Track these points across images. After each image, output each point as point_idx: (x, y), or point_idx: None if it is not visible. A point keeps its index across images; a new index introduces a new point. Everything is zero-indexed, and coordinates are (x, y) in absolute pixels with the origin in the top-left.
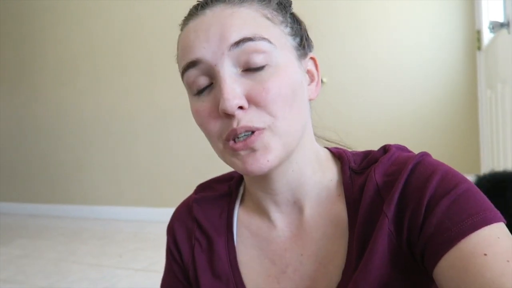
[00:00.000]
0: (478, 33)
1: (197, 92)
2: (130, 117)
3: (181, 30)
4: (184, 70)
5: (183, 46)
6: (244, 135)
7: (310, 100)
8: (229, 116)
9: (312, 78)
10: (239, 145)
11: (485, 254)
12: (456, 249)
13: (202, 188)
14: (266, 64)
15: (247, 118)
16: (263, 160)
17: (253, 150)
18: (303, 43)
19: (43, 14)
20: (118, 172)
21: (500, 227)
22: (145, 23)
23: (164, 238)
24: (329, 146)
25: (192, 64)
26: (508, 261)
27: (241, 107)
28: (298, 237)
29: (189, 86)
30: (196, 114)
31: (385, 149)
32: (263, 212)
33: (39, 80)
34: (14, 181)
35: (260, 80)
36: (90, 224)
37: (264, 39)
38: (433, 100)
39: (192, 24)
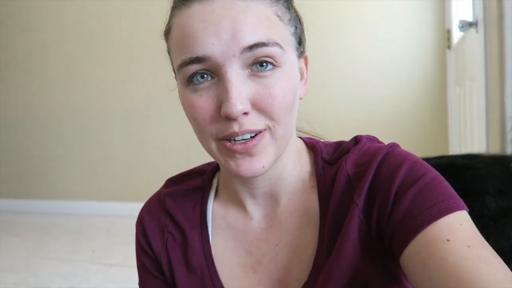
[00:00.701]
0: (448, 32)
1: (192, 82)
2: (103, 110)
3: (177, 6)
4: (185, 64)
5: (184, 34)
6: (243, 139)
7: (300, 99)
8: (229, 119)
9: (302, 76)
10: (237, 147)
11: (448, 240)
12: (422, 236)
13: (173, 182)
14: (274, 68)
15: (249, 122)
16: (258, 165)
17: (250, 155)
18: (302, 41)
19: (11, 2)
20: (90, 166)
21: (462, 214)
22: (121, 12)
23: None
24: (302, 136)
25: (197, 60)
26: (469, 246)
27: (245, 113)
28: (274, 228)
29: (184, 77)
30: (191, 109)
31: (356, 140)
32: (239, 204)
33: (6, 71)
34: None
35: (266, 84)
36: (61, 220)
37: (277, 44)
38: (404, 96)
39: (198, 9)
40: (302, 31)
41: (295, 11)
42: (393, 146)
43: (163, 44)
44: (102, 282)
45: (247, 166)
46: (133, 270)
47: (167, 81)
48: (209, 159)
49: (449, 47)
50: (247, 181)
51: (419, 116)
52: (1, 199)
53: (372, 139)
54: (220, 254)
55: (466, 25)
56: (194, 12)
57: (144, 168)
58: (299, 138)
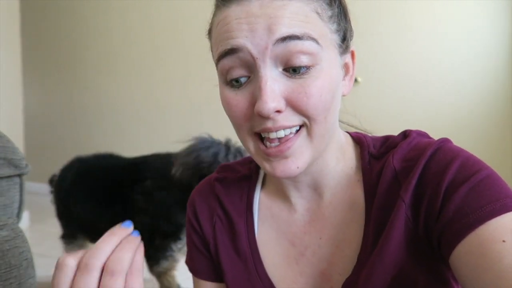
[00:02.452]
0: None
1: (231, 82)
2: (163, 107)
3: (218, 6)
4: (221, 57)
5: (221, 31)
6: (277, 137)
7: (342, 96)
8: (262, 117)
9: (347, 72)
10: (272, 151)
11: (504, 241)
12: (474, 235)
13: (224, 169)
14: (310, 66)
15: (283, 119)
16: (293, 167)
17: (285, 157)
18: (347, 38)
19: (85, 7)
20: None
21: None
22: (182, 18)
23: None
24: (349, 131)
25: (231, 51)
26: None
27: (278, 111)
28: (317, 222)
29: (222, 73)
30: (227, 106)
31: (405, 134)
32: (284, 196)
33: (78, 70)
34: (48, 163)
35: (302, 83)
36: None
37: (312, 39)
38: (473, 101)
39: (236, 9)
40: (347, 27)
41: (341, 7)
42: (444, 141)
43: None
44: None
45: (282, 168)
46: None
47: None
48: None
49: None
50: None
51: (488, 123)
52: None
53: (422, 134)
54: (264, 243)
55: None
56: (232, 11)
57: None
58: (346, 133)
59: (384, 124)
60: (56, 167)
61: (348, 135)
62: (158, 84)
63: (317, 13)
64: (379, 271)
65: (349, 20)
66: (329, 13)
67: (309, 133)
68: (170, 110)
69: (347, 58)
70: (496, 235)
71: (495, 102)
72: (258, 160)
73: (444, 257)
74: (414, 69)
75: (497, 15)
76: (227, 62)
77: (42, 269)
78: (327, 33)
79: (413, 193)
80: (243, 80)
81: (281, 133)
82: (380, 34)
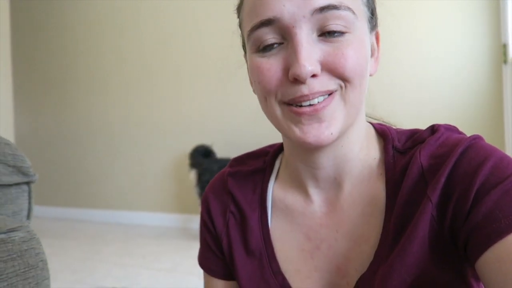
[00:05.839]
0: (504, 47)
1: (262, 49)
2: (156, 127)
3: None
4: (256, 28)
5: (256, 3)
6: (310, 104)
7: (370, 75)
8: (297, 82)
9: (372, 53)
10: (305, 109)
11: None
12: (505, 242)
13: (237, 162)
14: (345, 32)
15: (319, 84)
16: (327, 132)
17: (318, 120)
18: (375, 15)
19: (76, 27)
20: (141, 179)
21: None
22: (172, 38)
23: (186, 243)
24: (372, 122)
25: (268, 22)
26: None
27: (314, 75)
28: (335, 214)
29: (254, 44)
30: (257, 71)
31: (433, 129)
32: (300, 186)
33: (69, 90)
34: (42, 186)
35: (338, 46)
36: (112, 228)
37: (349, 9)
38: (457, 111)
39: None
40: (374, 4)
41: None
42: (477, 138)
43: (214, 67)
44: (152, 284)
45: (314, 132)
46: (181, 275)
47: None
48: None
49: (505, 62)
50: (310, 158)
51: (473, 131)
52: (58, 208)
53: (452, 129)
54: (278, 237)
55: None
56: None
57: (191, 183)
58: (369, 124)
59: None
60: (47, 187)
61: (371, 126)
62: (150, 102)
63: None
64: (399, 271)
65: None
66: None
67: (343, 97)
68: (162, 128)
69: (373, 37)
70: None
71: (479, 111)
72: (285, 126)
73: (469, 260)
74: (399, 82)
75: (479, 29)
76: (262, 31)
77: None
78: (360, 4)
79: (441, 193)
80: (276, 46)
81: (315, 101)
82: None
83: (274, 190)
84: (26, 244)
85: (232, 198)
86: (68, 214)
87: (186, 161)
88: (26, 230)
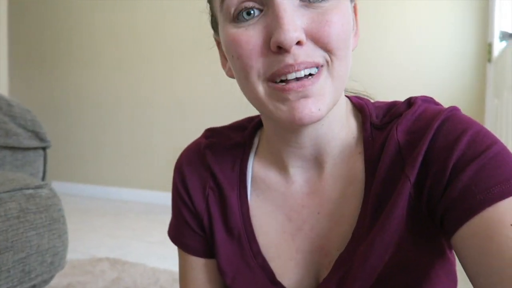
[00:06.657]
0: (489, 45)
1: (238, 17)
2: (148, 103)
3: None
4: None
5: None
6: (296, 78)
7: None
8: (281, 52)
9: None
10: (292, 85)
11: None
12: (481, 217)
13: (213, 133)
14: None
15: (304, 54)
16: (314, 108)
17: (305, 96)
18: None
19: (70, 2)
20: (133, 155)
21: None
22: (166, 14)
23: None
24: (349, 95)
25: None
26: None
27: (298, 42)
28: (316, 194)
29: (227, 10)
30: (235, 44)
31: (410, 102)
32: (281, 166)
33: (61, 63)
34: None
35: (322, 12)
36: (102, 203)
37: None
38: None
39: None
40: None
41: None
42: (454, 109)
43: (206, 45)
44: (144, 254)
45: (302, 108)
46: (172, 248)
47: (206, 78)
48: None
49: (489, 60)
50: (291, 138)
51: None
52: (53, 182)
53: (428, 100)
54: (259, 217)
55: (506, 36)
56: None
57: None
58: (346, 98)
59: None
60: None
61: (348, 100)
62: (142, 80)
63: None
64: (377, 249)
65: None
66: None
67: (330, 73)
68: (154, 106)
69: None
70: (504, 218)
71: (461, 107)
72: (270, 105)
73: (446, 236)
74: (388, 74)
75: (465, 27)
76: None
77: None
78: None
79: (419, 171)
80: (254, 14)
81: (301, 73)
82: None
83: (254, 168)
84: (50, 200)
85: (211, 174)
86: (59, 188)
87: (177, 138)
88: (49, 188)
